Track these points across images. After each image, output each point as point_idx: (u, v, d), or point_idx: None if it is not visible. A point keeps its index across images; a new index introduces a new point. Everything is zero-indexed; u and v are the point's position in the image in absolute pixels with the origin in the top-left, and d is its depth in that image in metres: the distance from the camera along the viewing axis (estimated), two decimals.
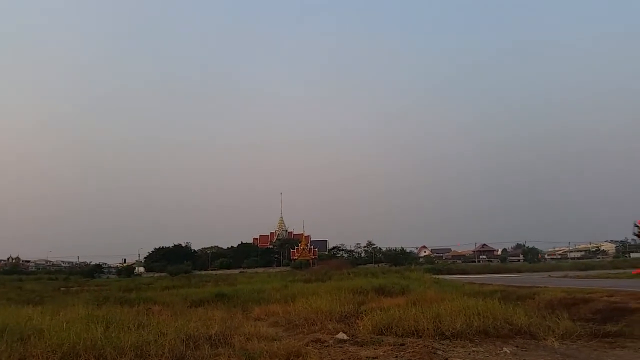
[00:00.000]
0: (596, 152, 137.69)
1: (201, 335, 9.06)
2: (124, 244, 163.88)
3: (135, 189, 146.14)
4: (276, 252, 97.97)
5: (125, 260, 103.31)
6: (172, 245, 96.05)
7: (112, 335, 8.14)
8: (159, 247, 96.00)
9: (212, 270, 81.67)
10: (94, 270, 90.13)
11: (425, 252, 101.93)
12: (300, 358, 7.20)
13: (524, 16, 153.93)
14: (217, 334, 9.24)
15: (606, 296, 14.55)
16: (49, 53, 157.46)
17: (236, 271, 72.62)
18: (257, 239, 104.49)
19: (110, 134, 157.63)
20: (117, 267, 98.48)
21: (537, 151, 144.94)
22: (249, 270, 72.39)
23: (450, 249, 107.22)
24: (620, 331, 9.75)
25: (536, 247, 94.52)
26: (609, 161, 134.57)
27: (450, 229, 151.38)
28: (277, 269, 75.54)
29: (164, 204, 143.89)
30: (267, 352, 7.56)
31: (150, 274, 78.08)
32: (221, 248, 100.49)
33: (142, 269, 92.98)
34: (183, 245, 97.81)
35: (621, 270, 40.96)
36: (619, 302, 13.30)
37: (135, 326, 9.60)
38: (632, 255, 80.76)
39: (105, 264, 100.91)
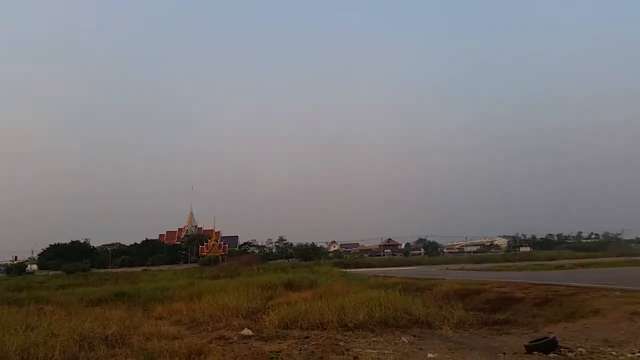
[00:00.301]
0: (489, 156, 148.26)
1: (97, 335, 8.58)
2: (16, 240, 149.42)
3: (29, 180, 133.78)
4: (184, 248, 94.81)
5: (16, 257, 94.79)
6: (70, 241, 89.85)
7: None
8: (55, 244, 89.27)
9: (112, 268, 77.35)
10: None
11: (334, 247, 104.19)
12: (202, 356, 7.04)
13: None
14: (114, 334, 8.80)
15: (497, 287, 15.79)
16: None
17: (139, 269, 69.33)
18: (163, 235, 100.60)
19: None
20: (6, 264, 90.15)
21: (439, 151, 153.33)
22: (154, 268, 69.53)
23: (358, 243, 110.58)
24: (507, 319, 10.65)
25: (436, 241, 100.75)
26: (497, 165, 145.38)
27: (358, 224, 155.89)
28: (185, 266, 73.19)
29: (62, 197, 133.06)
30: (167, 351, 7.31)
31: (45, 272, 72.34)
32: (124, 245, 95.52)
33: (35, 267, 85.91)
34: (81, 241, 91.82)
35: (511, 263, 44.75)
36: (508, 292, 14.52)
37: (23, 328, 8.94)
38: (522, 249, 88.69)
39: None
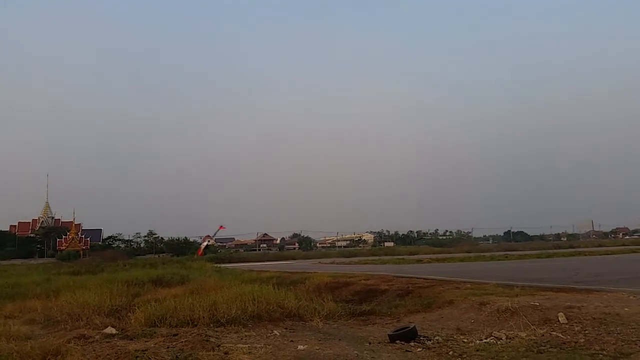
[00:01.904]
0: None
1: None
2: None
3: None
4: (39, 241, 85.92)
5: None
6: None
7: None
8: None
9: None
10: None
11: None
12: (59, 356, 6.43)
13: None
14: None
15: (363, 280, 16.68)
16: None
17: None
18: (15, 226, 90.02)
19: None
20: None
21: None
22: (4, 262, 61.97)
23: (233, 238, 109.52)
24: (373, 310, 11.29)
25: (310, 236, 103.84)
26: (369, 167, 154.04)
27: (235, 219, 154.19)
28: (41, 261, 66.33)
29: None
30: (17, 352, 6.56)
31: None
32: None
33: None
34: None
35: (377, 257, 47.66)
36: (373, 285, 15.43)
37: None
38: (386, 244, 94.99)
39: None
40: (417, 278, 15.91)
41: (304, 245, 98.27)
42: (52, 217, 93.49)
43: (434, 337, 7.70)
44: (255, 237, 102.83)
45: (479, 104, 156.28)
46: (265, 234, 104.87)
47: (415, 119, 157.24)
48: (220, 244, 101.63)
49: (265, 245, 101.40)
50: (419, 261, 33.32)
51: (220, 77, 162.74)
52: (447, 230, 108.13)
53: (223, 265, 38.34)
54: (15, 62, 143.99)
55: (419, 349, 6.97)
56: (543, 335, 7.07)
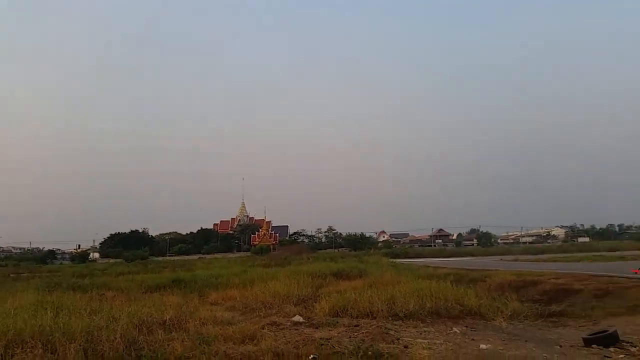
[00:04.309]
0: (552, 147, 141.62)
1: (155, 320, 8.98)
2: (79, 229, 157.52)
3: (91, 173, 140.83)
4: (237, 237, 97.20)
5: (79, 246, 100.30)
6: (129, 231, 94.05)
7: (62, 321, 7.92)
8: (115, 233, 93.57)
9: (170, 256, 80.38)
10: (47, 257, 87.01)
11: (384, 237, 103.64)
12: (255, 341, 7.25)
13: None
14: (172, 319, 9.18)
15: (553, 278, 15.26)
16: None
17: (195, 257, 71.71)
18: (217, 224, 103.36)
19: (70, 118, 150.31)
20: (71, 253, 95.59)
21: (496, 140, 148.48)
22: (208, 256, 71.65)
23: (408, 233, 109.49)
24: (564, 311, 10.30)
25: (490, 231, 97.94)
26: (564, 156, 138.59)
27: (409, 214, 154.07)
28: (237, 255, 75.00)
29: (122, 189, 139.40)
30: (221, 335, 7.57)
31: (106, 260, 76.27)
32: (180, 234, 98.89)
33: (97, 255, 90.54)
34: (140, 231, 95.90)
35: (569, 254, 42.96)
36: (564, 284, 14.00)
37: (87, 312, 9.40)
38: (580, 240, 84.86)
39: (59, 250, 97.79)
40: (619, 277, 13.95)
41: (483, 241, 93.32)
42: (247, 216, 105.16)
43: None
44: (430, 233, 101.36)
45: None
46: (441, 229, 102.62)
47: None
48: (395, 240, 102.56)
49: (440, 241, 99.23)
50: (621, 258, 29.04)
51: None
52: None
53: (398, 260, 38.61)
54: None
55: (620, 356, 6.16)
56: None
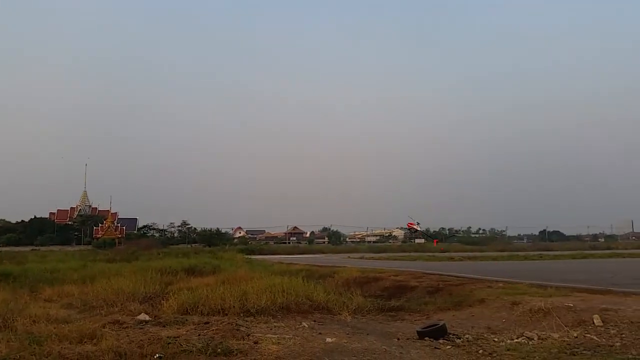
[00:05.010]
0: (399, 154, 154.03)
1: None
2: None
3: None
4: (77, 229, 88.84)
5: None
6: None
7: None
8: None
9: None
10: None
11: (240, 233, 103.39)
12: (94, 340, 6.68)
13: None
14: None
15: (393, 275, 16.63)
16: None
17: (27, 249, 63.76)
18: (54, 213, 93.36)
19: None
20: None
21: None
22: (43, 248, 64.36)
23: (264, 230, 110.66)
24: (402, 306, 11.27)
25: (339, 231, 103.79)
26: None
27: (266, 212, 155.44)
28: (77, 248, 68.53)
29: None
30: (56, 334, 6.85)
31: None
32: (9, 222, 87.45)
33: None
34: None
35: (406, 253, 47.27)
36: (402, 281, 15.37)
37: None
38: (416, 240, 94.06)
39: None
40: (448, 275, 15.75)
41: (333, 239, 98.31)
42: (90, 206, 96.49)
43: (464, 335, 7.62)
44: (285, 230, 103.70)
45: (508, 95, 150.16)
46: (296, 227, 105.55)
47: (454, 110, 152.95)
48: (251, 236, 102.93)
49: (295, 238, 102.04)
50: (451, 259, 32.90)
51: None
52: (480, 229, 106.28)
53: (253, 256, 38.83)
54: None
55: (448, 347, 6.91)
56: (577, 337, 6.90)
